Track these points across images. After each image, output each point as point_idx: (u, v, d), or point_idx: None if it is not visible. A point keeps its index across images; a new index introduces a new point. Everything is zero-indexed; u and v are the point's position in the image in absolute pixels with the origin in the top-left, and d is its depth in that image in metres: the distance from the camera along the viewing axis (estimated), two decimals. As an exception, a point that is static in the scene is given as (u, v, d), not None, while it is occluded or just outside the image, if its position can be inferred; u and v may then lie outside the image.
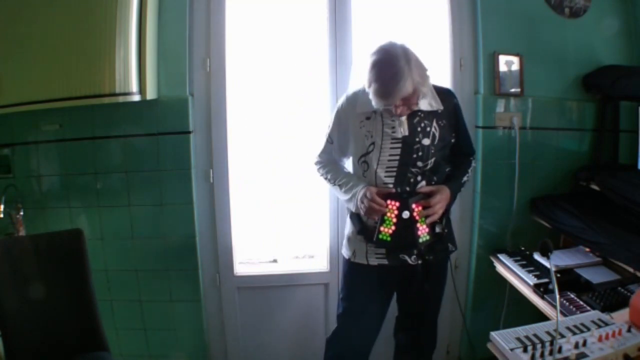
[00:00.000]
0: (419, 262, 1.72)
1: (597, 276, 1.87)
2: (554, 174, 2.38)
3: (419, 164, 1.66)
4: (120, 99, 1.89)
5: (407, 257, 1.71)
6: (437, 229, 1.71)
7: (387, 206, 1.62)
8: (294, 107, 2.35)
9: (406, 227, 1.63)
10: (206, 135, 2.25)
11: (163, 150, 2.17)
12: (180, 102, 2.15)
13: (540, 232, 2.22)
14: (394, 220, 1.63)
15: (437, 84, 1.74)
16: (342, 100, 1.79)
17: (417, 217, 1.62)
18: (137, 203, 2.21)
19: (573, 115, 2.39)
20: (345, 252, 1.86)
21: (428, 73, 1.58)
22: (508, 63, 2.28)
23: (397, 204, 1.62)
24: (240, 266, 2.42)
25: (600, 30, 2.34)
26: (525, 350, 1.27)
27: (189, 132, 2.17)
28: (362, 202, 1.66)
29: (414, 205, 1.62)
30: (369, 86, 1.55)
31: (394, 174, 1.67)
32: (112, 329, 2.24)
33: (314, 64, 2.30)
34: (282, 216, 2.44)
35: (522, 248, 2.24)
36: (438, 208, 1.64)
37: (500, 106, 2.31)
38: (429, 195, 1.65)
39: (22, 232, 2.07)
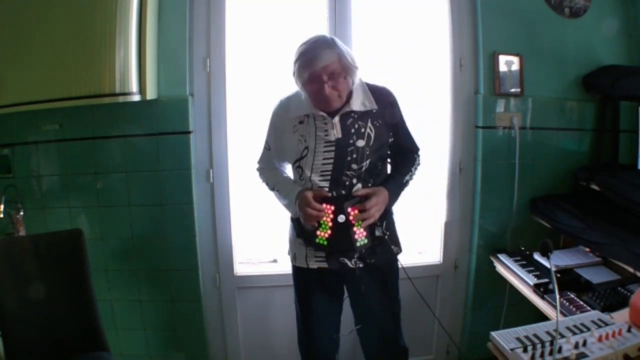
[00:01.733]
0: (360, 265, 1.69)
1: (597, 276, 1.87)
2: (554, 174, 2.39)
3: (354, 166, 1.61)
4: (120, 99, 1.89)
5: (347, 261, 1.68)
6: (377, 232, 1.68)
7: (323, 210, 1.59)
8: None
9: (342, 231, 1.59)
10: (206, 135, 2.25)
11: (163, 150, 2.17)
12: (180, 102, 2.15)
13: (540, 232, 2.22)
14: (330, 224, 1.59)
15: (371, 83, 1.70)
16: (276, 105, 1.75)
17: (353, 221, 1.58)
18: (137, 203, 2.21)
19: (573, 115, 2.39)
20: (289, 255, 1.84)
21: (358, 64, 1.57)
22: (508, 63, 2.28)
23: (333, 207, 1.58)
24: (240, 266, 2.42)
25: (600, 30, 2.34)
26: (525, 350, 1.27)
27: (189, 132, 2.17)
28: (299, 207, 1.63)
29: (349, 209, 1.58)
30: (295, 65, 1.56)
31: (329, 177, 1.62)
32: (112, 329, 2.24)
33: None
34: (282, 216, 2.43)
35: (522, 248, 2.24)
36: (374, 211, 1.59)
37: (500, 106, 2.31)
38: (365, 198, 1.61)
39: (22, 232, 2.07)
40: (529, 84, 2.30)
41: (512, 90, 2.30)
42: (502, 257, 2.25)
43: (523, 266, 2.09)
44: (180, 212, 2.22)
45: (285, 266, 2.44)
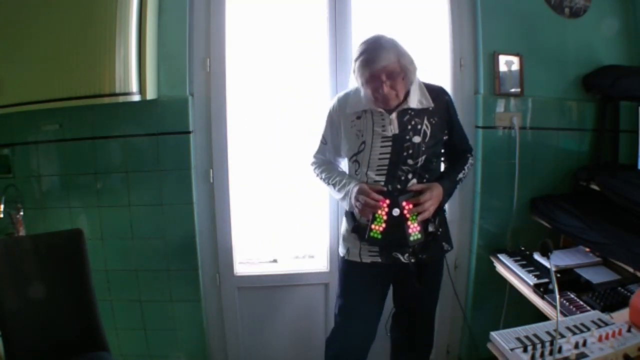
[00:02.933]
0: (412, 260, 1.72)
1: (597, 276, 1.87)
2: (554, 174, 2.38)
3: (410, 161, 1.66)
4: (120, 99, 1.89)
5: (400, 255, 1.72)
6: (430, 228, 1.71)
7: (380, 202, 1.63)
8: (294, 107, 2.35)
9: (397, 225, 1.62)
10: (206, 135, 2.25)
11: (163, 150, 2.17)
12: (180, 102, 2.15)
13: (540, 232, 2.22)
14: (385, 218, 1.62)
15: (428, 82, 1.75)
16: (333, 101, 1.82)
17: (407, 215, 1.62)
18: (137, 203, 2.21)
19: (573, 115, 2.39)
20: (340, 250, 1.87)
21: (415, 64, 1.63)
22: (508, 63, 2.28)
23: (388, 201, 1.61)
24: (240, 266, 2.42)
25: (600, 30, 2.34)
26: (525, 350, 1.27)
27: (189, 132, 2.17)
28: (356, 199, 1.67)
29: (404, 203, 1.61)
30: (356, 63, 1.60)
31: (385, 172, 1.68)
32: (112, 329, 2.24)
33: (314, 64, 2.29)
34: (282, 216, 2.44)
35: (522, 248, 2.24)
36: (428, 206, 1.64)
37: (500, 106, 2.31)
38: (419, 192, 1.65)
39: (22, 232, 2.07)
40: (529, 84, 2.30)
41: (512, 90, 2.30)
42: (502, 257, 2.25)
43: (523, 266, 2.09)
44: (180, 212, 2.22)
45: (285, 266, 2.45)
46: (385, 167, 1.68)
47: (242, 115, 2.32)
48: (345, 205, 1.78)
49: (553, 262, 1.31)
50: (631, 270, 1.81)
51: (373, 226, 1.65)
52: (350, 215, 1.78)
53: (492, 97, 2.30)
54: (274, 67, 2.30)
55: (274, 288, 2.41)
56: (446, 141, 1.77)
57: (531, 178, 2.35)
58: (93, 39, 1.84)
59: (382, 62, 1.55)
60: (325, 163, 1.89)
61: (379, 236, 1.65)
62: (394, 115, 1.66)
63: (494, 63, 2.28)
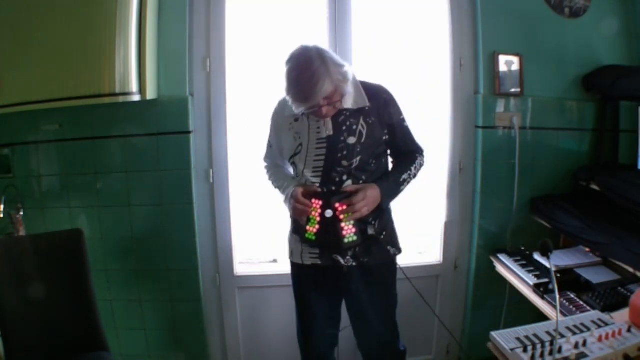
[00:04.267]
0: (353, 263, 1.69)
1: (597, 276, 1.87)
2: (554, 174, 2.39)
3: (344, 162, 1.63)
4: (120, 99, 1.89)
5: (340, 258, 1.69)
6: (370, 231, 1.68)
7: (312, 205, 1.60)
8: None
9: (330, 227, 1.59)
10: (206, 135, 2.25)
11: (163, 150, 2.17)
12: (180, 102, 2.15)
13: (540, 232, 2.22)
14: (318, 219, 1.60)
15: (367, 81, 1.70)
16: (276, 104, 1.79)
17: (340, 217, 1.59)
18: (137, 203, 2.21)
19: (573, 115, 2.39)
20: (287, 253, 1.86)
21: (346, 69, 1.54)
22: (508, 63, 2.28)
23: (321, 202, 1.59)
24: (240, 266, 2.42)
25: (600, 30, 2.34)
26: (525, 350, 1.27)
27: (189, 132, 2.17)
28: (289, 202, 1.66)
29: (337, 204, 1.58)
30: (288, 94, 1.52)
31: (320, 173, 1.65)
32: (112, 329, 2.24)
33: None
34: (282, 216, 2.43)
35: (522, 248, 2.24)
36: (360, 207, 1.58)
37: (500, 106, 2.31)
38: (354, 193, 1.61)
39: (22, 232, 2.07)
40: (529, 84, 2.30)
41: (512, 90, 2.30)
42: (502, 257, 2.25)
43: (523, 266, 2.09)
44: (180, 212, 2.22)
45: (285, 266, 2.45)
46: (321, 169, 1.65)
47: (242, 115, 2.31)
48: (288, 209, 1.76)
49: (553, 262, 1.31)
50: (631, 270, 1.81)
51: (308, 227, 1.63)
52: (293, 217, 1.76)
53: (492, 97, 2.30)
54: (273, 67, 2.30)
55: (274, 288, 2.41)
56: (388, 141, 1.71)
57: (531, 178, 2.35)
58: (93, 39, 1.84)
59: (319, 97, 1.48)
60: (273, 167, 1.88)
61: (313, 237, 1.63)
62: (330, 116, 1.62)
63: (494, 63, 2.28)
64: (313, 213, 1.61)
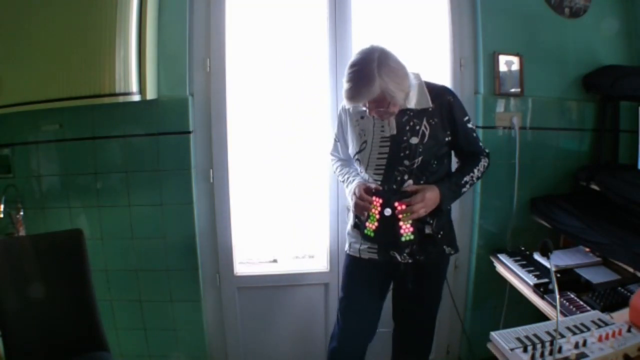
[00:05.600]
0: (409, 260, 1.72)
1: (597, 276, 1.87)
2: (554, 174, 2.39)
3: (406, 162, 1.66)
4: (120, 99, 1.89)
5: (397, 254, 1.72)
6: (427, 230, 1.70)
7: (372, 202, 1.65)
8: (294, 107, 2.35)
9: (389, 225, 1.64)
10: (206, 135, 2.25)
11: (163, 150, 2.17)
12: (180, 102, 2.15)
13: (540, 232, 2.22)
14: (377, 216, 1.65)
15: (431, 82, 1.72)
16: (343, 101, 1.80)
17: (399, 216, 1.62)
18: (137, 203, 2.21)
19: (573, 115, 2.39)
20: (346, 245, 1.90)
21: (408, 79, 1.58)
22: (508, 63, 2.28)
23: (381, 200, 1.63)
24: (240, 266, 2.42)
25: (600, 30, 2.34)
26: (525, 350, 1.27)
27: (189, 132, 2.17)
28: (351, 198, 1.72)
29: (396, 204, 1.62)
30: (344, 87, 1.57)
31: (382, 172, 1.69)
32: (112, 329, 2.24)
33: (314, 64, 2.30)
34: (282, 216, 2.44)
35: (522, 248, 2.24)
36: (418, 208, 1.61)
37: (500, 106, 2.31)
38: (414, 194, 1.64)
39: (22, 232, 2.07)
40: (529, 84, 2.30)
41: (512, 90, 2.30)
42: (502, 257, 2.25)
43: (523, 266, 2.09)
44: (180, 212, 2.22)
45: (285, 266, 2.46)
46: (383, 167, 1.69)
47: (242, 115, 2.32)
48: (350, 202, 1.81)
49: (553, 262, 1.31)
50: (631, 270, 1.81)
51: (367, 224, 1.68)
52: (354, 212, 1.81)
53: (492, 97, 2.30)
54: (273, 67, 2.30)
55: (274, 288, 2.41)
56: (450, 142, 1.73)
57: (531, 178, 2.35)
58: (93, 39, 1.84)
59: (363, 99, 1.54)
60: (339, 160, 1.95)
61: (372, 234, 1.68)
62: (391, 117, 1.65)
63: (494, 63, 2.28)
64: (373, 210, 1.65)
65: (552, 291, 1.55)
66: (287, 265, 2.46)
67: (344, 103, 1.75)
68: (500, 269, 2.24)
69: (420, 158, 1.66)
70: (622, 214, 1.97)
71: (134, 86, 1.93)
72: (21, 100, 1.90)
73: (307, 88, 2.33)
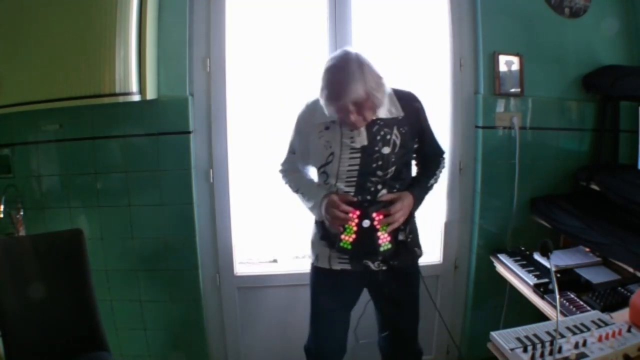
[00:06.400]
0: (383, 267, 1.70)
1: (597, 276, 1.87)
2: (554, 174, 2.39)
3: (379, 173, 1.62)
4: (120, 99, 1.89)
5: (370, 263, 1.69)
6: (401, 237, 1.69)
7: (350, 214, 1.60)
8: (294, 107, 2.34)
9: (367, 236, 1.60)
10: (206, 135, 2.25)
11: (163, 150, 2.17)
12: (180, 102, 2.15)
13: (540, 232, 2.22)
14: (355, 228, 1.60)
15: (398, 88, 1.68)
16: (302, 108, 1.74)
17: (377, 226, 1.59)
18: (137, 203, 2.21)
19: (573, 115, 2.39)
20: (310, 256, 1.85)
21: (384, 81, 1.53)
22: (508, 63, 2.28)
23: (358, 212, 1.59)
24: (240, 266, 2.43)
25: (600, 30, 2.34)
26: (525, 350, 1.27)
27: (189, 132, 2.17)
28: (326, 210, 1.63)
29: (374, 214, 1.59)
30: (321, 94, 1.51)
31: (354, 183, 1.63)
32: (112, 329, 2.24)
33: (314, 64, 2.29)
34: (282, 216, 2.44)
35: (522, 248, 2.24)
36: (398, 216, 1.60)
37: (500, 106, 2.31)
38: (390, 203, 1.62)
39: (22, 232, 2.07)
40: (529, 84, 2.30)
41: (512, 90, 2.30)
42: (502, 257, 2.25)
43: (523, 266, 2.09)
44: (180, 212, 2.22)
45: (285, 266, 2.46)
46: (355, 179, 1.63)
47: (242, 115, 2.31)
48: (315, 215, 1.75)
49: (553, 262, 1.31)
50: (631, 270, 1.81)
51: (343, 237, 1.62)
52: (320, 223, 1.75)
53: (492, 97, 2.30)
54: (274, 67, 2.30)
55: (274, 288, 2.41)
56: (417, 149, 1.72)
57: (531, 178, 2.35)
58: (93, 39, 1.84)
59: (349, 97, 1.46)
60: (293, 172, 1.84)
61: (349, 247, 1.62)
62: (362, 127, 1.60)
63: (494, 63, 2.28)
64: (350, 222, 1.60)
65: (552, 291, 1.55)
66: (287, 265, 2.46)
67: (302, 110, 1.72)
68: (500, 269, 2.24)
69: (393, 168, 1.63)
70: (622, 214, 1.97)
71: (134, 86, 1.93)
72: (21, 100, 1.90)
73: (307, 88, 2.32)
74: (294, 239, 2.48)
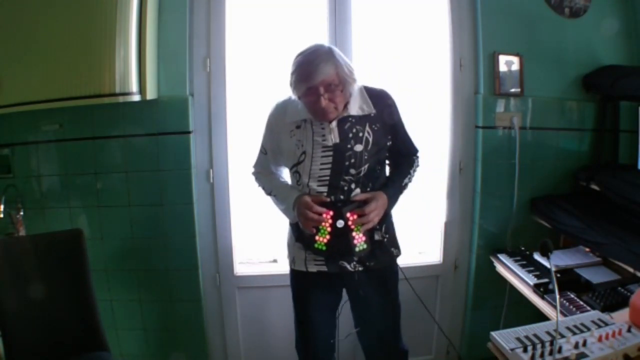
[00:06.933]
0: (359, 268, 1.69)
1: (597, 276, 1.87)
2: (554, 174, 2.39)
3: (352, 171, 1.60)
4: (120, 99, 1.89)
5: (346, 264, 1.67)
6: (376, 236, 1.67)
7: (321, 215, 1.57)
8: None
9: (341, 236, 1.57)
10: (206, 135, 2.25)
11: (163, 150, 2.17)
12: (180, 102, 2.15)
13: (540, 232, 2.22)
14: (329, 229, 1.57)
15: (370, 85, 1.68)
16: (272, 108, 1.73)
17: (352, 226, 1.58)
18: (137, 203, 2.21)
19: (573, 115, 2.39)
20: (287, 259, 1.84)
21: (355, 74, 1.54)
22: (508, 63, 2.28)
23: (331, 213, 1.56)
24: (240, 266, 2.42)
25: (600, 30, 2.34)
26: (525, 350, 1.27)
27: (189, 132, 2.17)
28: (298, 212, 1.61)
29: (348, 214, 1.56)
30: (291, 79, 1.53)
31: (327, 182, 1.61)
32: (112, 329, 2.24)
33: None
34: (282, 217, 2.43)
35: (522, 248, 2.24)
36: (373, 216, 1.58)
37: (500, 106, 2.31)
38: (364, 203, 1.59)
39: (22, 232, 2.07)
40: (529, 84, 2.30)
41: (512, 90, 2.30)
42: (502, 257, 2.25)
43: (523, 266, 2.09)
44: (180, 212, 2.22)
45: (285, 266, 2.45)
46: (327, 178, 1.61)
47: (242, 115, 2.31)
48: (288, 217, 1.74)
49: (553, 262, 1.32)
50: (631, 270, 1.81)
51: (317, 238, 1.59)
52: (294, 225, 1.73)
53: (492, 97, 2.30)
54: (274, 67, 2.30)
55: (274, 288, 2.41)
56: (390, 147, 1.70)
57: (531, 178, 2.35)
58: (93, 39, 1.84)
59: (320, 76, 1.47)
60: (266, 173, 1.82)
61: (324, 248, 1.60)
62: (334, 124, 1.59)
63: (494, 63, 2.28)
64: (323, 223, 1.58)
65: (552, 291, 1.55)
66: (287, 265, 2.45)
67: (272, 110, 1.71)
68: (500, 269, 2.24)
69: (366, 165, 1.61)
70: (622, 214, 1.97)
71: (134, 86, 1.93)
72: (21, 100, 1.90)
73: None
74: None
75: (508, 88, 2.30)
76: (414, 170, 1.78)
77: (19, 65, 1.89)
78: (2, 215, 2.01)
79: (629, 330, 1.33)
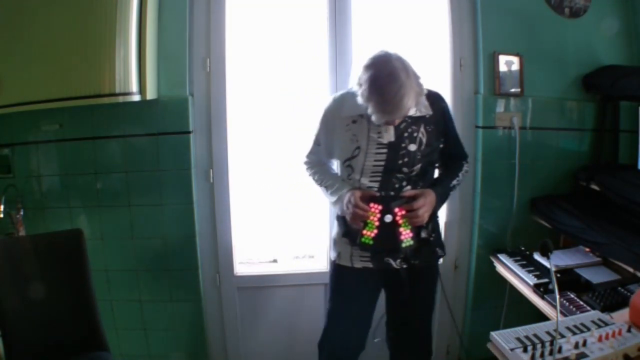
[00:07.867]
0: (404, 266, 1.70)
1: (597, 276, 1.87)
2: (554, 174, 2.39)
3: (405, 169, 1.63)
4: (120, 99, 1.89)
5: (391, 261, 1.69)
6: (423, 234, 1.68)
7: (370, 209, 1.59)
8: (294, 106, 2.35)
9: (388, 231, 1.59)
10: (206, 135, 2.25)
11: (163, 150, 2.17)
12: (180, 102, 2.15)
13: (540, 232, 2.22)
14: (376, 223, 1.59)
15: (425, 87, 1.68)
16: (329, 101, 1.75)
17: (399, 221, 1.59)
18: (137, 203, 2.21)
19: (573, 115, 2.39)
20: (331, 254, 1.84)
21: (422, 80, 1.54)
22: (508, 63, 2.28)
23: (380, 207, 1.58)
24: (240, 266, 2.43)
25: (600, 30, 2.34)
26: (525, 350, 1.27)
27: (189, 132, 2.17)
28: (347, 206, 1.63)
29: (396, 209, 1.58)
30: (368, 101, 1.48)
31: (379, 179, 1.64)
32: (112, 329, 2.24)
33: (314, 64, 2.30)
34: (282, 216, 2.44)
35: (522, 248, 2.24)
36: (422, 212, 1.59)
37: (500, 106, 2.31)
38: (412, 198, 1.61)
39: (22, 232, 2.07)
40: (529, 84, 2.30)
41: (512, 90, 2.30)
42: (502, 257, 2.25)
43: (523, 266, 2.09)
44: (180, 212, 2.22)
45: (285, 266, 2.46)
46: (379, 174, 1.64)
47: (242, 115, 2.32)
48: (337, 210, 1.75)
49: (553, 262, 1.31)
50: (631, 270, 1.81)
51: (364, 232, 1.61)
52: (342, 219, 1.74)
53: (492, 97, 2.30)
54: (274, 67, 2.30)
55: (274, 288, 2.41)
56: (441, 149, 1.73)
57: (531, 178, 2.35)
58: (93, 39, 1.84)
59: (402, 113, 1.50)
60: (318, 164, 1.84)
61: (371, 242, 1.62)
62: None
63: (494, 63, 2.28)
64: (371, 217, 1.59)
65: (552, 291, 1.55)
66: (287, 265, 2.46)
67: (329, 104, 1.72)
68: (500, 269, 2.23)
69: (419, 165, 1.64)
70: (622, 214, 1.97)
71: (134, 86, 1.93)
72: (21, 100, 1.90)
73: (307, 88, 2.33)
74: (294, 239, 2.48)
75: (508, 88, 2.29)
76: (462, 174, 1.79)
77: (19, 65, 1.89)
78: (2, 215, 2.01)
79: (629, 330, 1.33)
